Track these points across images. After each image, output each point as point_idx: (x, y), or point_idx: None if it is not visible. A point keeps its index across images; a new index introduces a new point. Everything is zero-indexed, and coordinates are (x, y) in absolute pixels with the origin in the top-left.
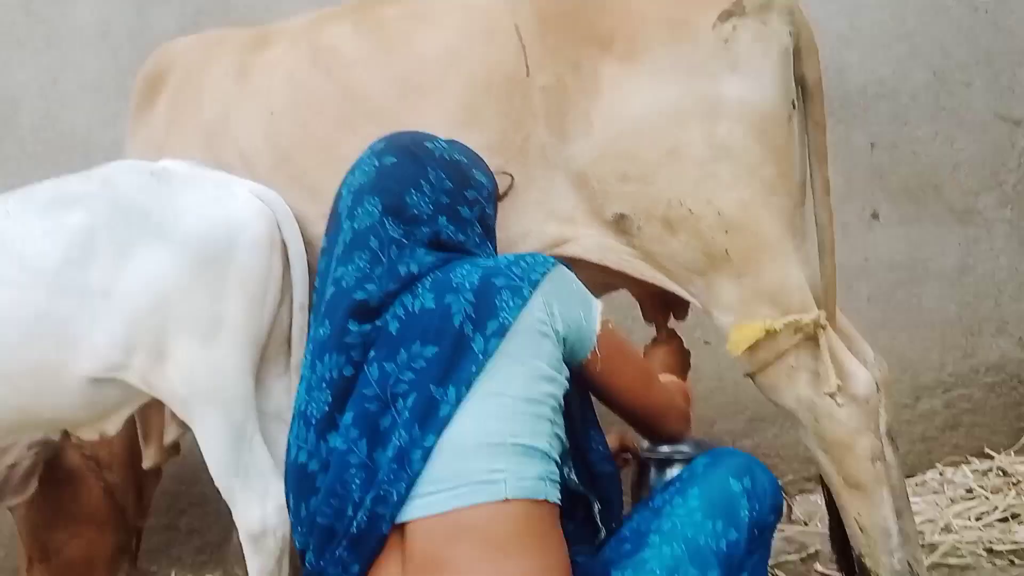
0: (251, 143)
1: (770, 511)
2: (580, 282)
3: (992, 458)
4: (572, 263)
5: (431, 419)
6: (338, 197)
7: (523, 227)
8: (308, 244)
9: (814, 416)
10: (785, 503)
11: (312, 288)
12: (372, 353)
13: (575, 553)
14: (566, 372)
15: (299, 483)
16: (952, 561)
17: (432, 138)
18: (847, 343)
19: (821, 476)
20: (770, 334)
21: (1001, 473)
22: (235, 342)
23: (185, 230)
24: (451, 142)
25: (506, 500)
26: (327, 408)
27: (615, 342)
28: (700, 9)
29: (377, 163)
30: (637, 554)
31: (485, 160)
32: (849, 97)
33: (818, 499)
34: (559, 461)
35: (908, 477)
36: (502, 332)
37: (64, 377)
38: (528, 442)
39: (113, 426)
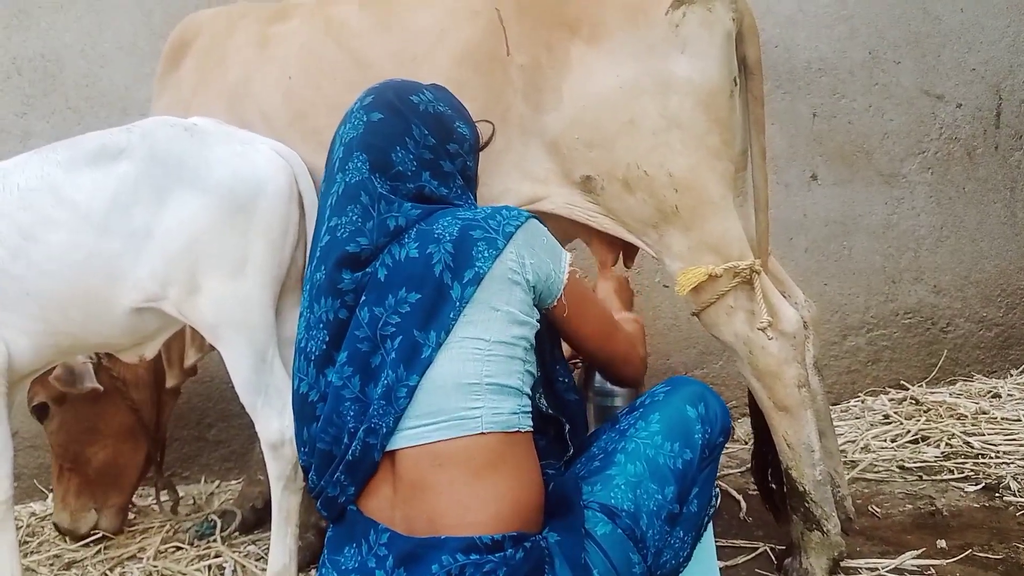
0: (270, 103)
1: (720, 433)
2: (551, 235)
3: (907, 388)
4: (544, 217)
5: (415, 360)
6: (332, 146)
7: (503, 186)
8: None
9: (749, 349)
10: None
11: None
12: (364, 298)
13: (547, 466)
14: (536, 316)
15: (301, 410)
16: (869, 476)
17: (418, 90)
18: (780, 287)
19: (749, 402)
20: (712, 278)
21: (914, 402)
22: (259, 278)
23: (216, 180)
24: (436, 91)
25: (482, 433)
26: (324, 346)
27: (581, 291)
28: None
29: (365, 118)
30: (605, 470)
31: None
32: (795, 72)
33: None
34: (531, 393)
35: (834, 404)
36: (477, 280)
37: (111, 307)
38: (502, 381)
39: (151, 350)
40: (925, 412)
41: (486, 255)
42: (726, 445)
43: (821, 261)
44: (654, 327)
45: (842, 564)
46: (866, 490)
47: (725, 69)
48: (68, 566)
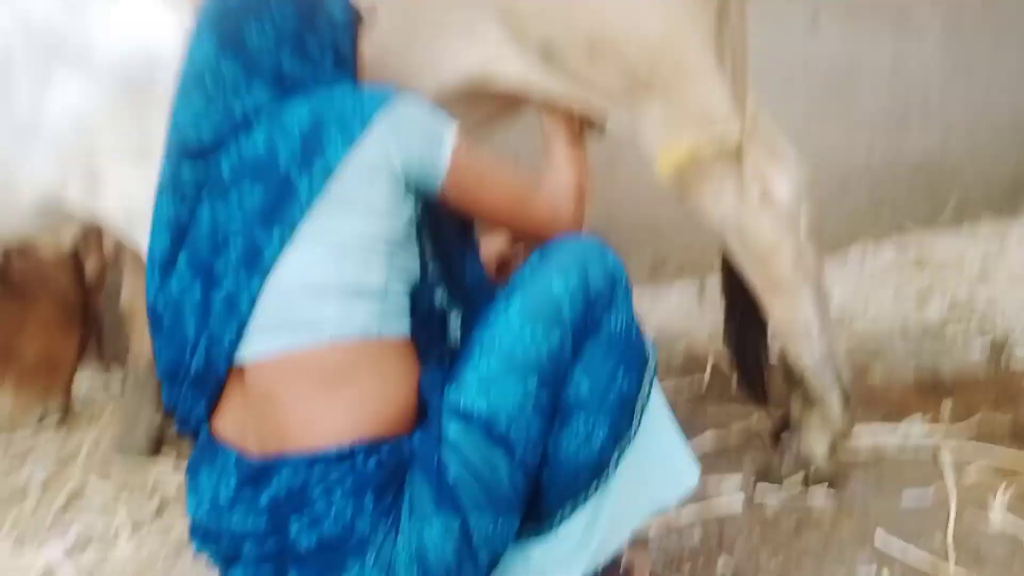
0: None
1: (603, 307)
2: (427, 110)
3: (910, 234)
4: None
5: (256, 263)
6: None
7: (445, 50)
8: None
9: (739, 229)
10: None
11: None
12: (205, 196)
13: (429, 368)
14: (410, 206)
15: (152, 322)
16: (869, 340)
17: None
18: (770, 147)
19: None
20: (694, 155)
21: (917, 251)
22: None
23: (104, 55)
24: None
25: (332, 341)
26: (166, 251)
27: (472, 168)
28: None
29: None
30: (461, 368)
31: None
32: None
33: None
34: (406, 289)
35: (833, 250)
36: (327, 171)
37: (11, 206)
38: (356, 281)
39: (67, 241)
40: (927, 265)
41: (340, 144)
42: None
43: (824, 108)
44: None
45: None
46: (866, 354)
47: None
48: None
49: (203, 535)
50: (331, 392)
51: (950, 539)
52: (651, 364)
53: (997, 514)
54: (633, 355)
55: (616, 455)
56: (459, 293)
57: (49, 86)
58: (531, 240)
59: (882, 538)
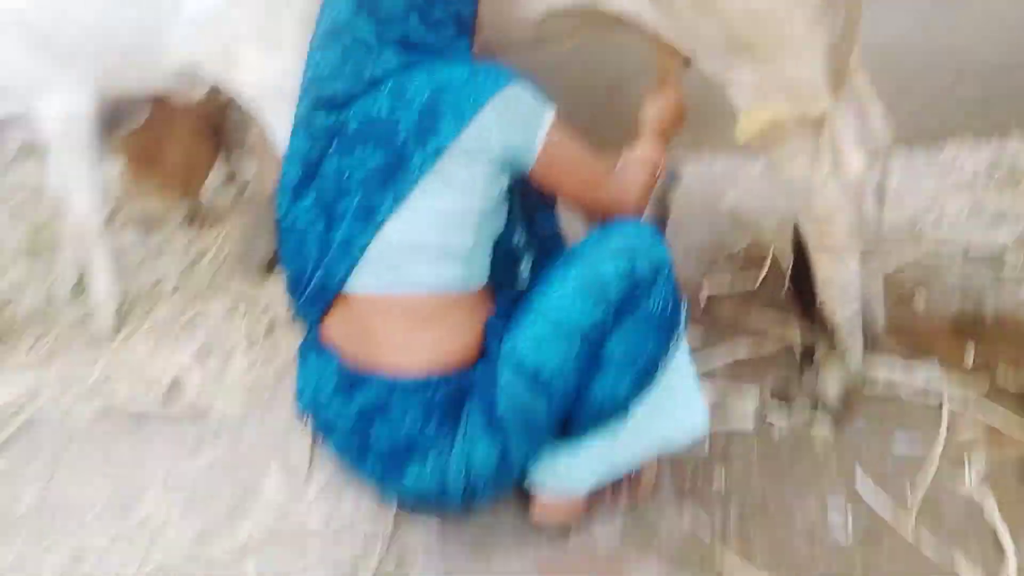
0: None
1: (644, 291)
2: (530, 96)
3: (1011, 140)
4: (605, 16)
5: (371, 218)
6: None
7: None
8: None
9: (805, 192)
10: None
11: None
12: (334, 145)
13: (497, 311)
14: (504, 180)
15: (280, 235)
16: (929, 261)
17: None
18: (860, 108)
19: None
20: (776, 122)
21: (1012, 161)
22: (299, 50)
23: None
24: None
25: (423, 291)
26: (297, 180)
27: (560, 155)
28: None
29: None
30: (519, 321)
31: None
32: None
33: None
34: (491, 243)
35: (929, 146)
36: (437, 152)
37: (156, 67)
38: (449, 245)
39: (198, 95)
40: (1017, 180)
41: (452, 126)
42: None
43: (947, 3)
44: None
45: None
46: (920, 276)
47: None
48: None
49: (306, 408)
50: (417, 329)
51: (919, 496)
52: (680, 331)
53: (970, 479)
54: (664, 328)
55: (636, 401)
56: (534, 237)
57: None
58: (589, 216)
59: (860, 478)
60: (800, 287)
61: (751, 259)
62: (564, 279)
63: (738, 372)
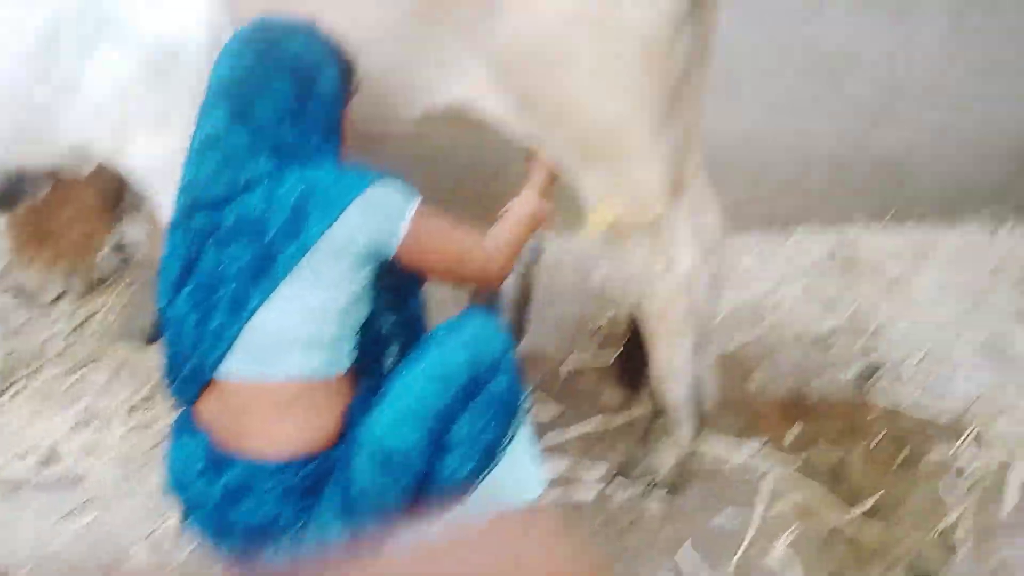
0: None
1: (487, 376)
2: (395, 190)
3: (853, 226)
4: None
5: (241, 309)
6: (209, 78)
7: (436, 80)
8: None
9: (643, 283)
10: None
11: None
12: (211, 241)
13: (358, 394)
14: (369, 270)
15: (162, 323)
16: (767, 340)
17: (291, 34)
18: (698, 205)
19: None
20: (619, 223)
21: (849, 254)
22: (185, 130)
23: (137, 31)
24: (309, 36)
25: (288, 379)
26: (177, 275)
27: (423, 238)
28: None
29: (235, 61)
30: (377, 405)
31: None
32: None
33: None
34: (356, 330)
35: (780, 230)
36: (304, 250)
37: (50, 144)
38: (315, 335)
39: (88, 171)
40: (853, 265)
41: (318, 224)
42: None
43: (804, 94)
44: None
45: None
46: (755, 356)
47: (670, 15)
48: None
49: (174, 485)
50: (282, 414)
51: (731, 566)
52: (519, 415)
53: (779, 551)
54: (506, 411)
55: (478, 480)
56: (400, 322)
57: (93, 53)
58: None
59: (685, 551)
60: (632, 366)
61: (612, 334)
62: (416, 366)
63: (588, 445)
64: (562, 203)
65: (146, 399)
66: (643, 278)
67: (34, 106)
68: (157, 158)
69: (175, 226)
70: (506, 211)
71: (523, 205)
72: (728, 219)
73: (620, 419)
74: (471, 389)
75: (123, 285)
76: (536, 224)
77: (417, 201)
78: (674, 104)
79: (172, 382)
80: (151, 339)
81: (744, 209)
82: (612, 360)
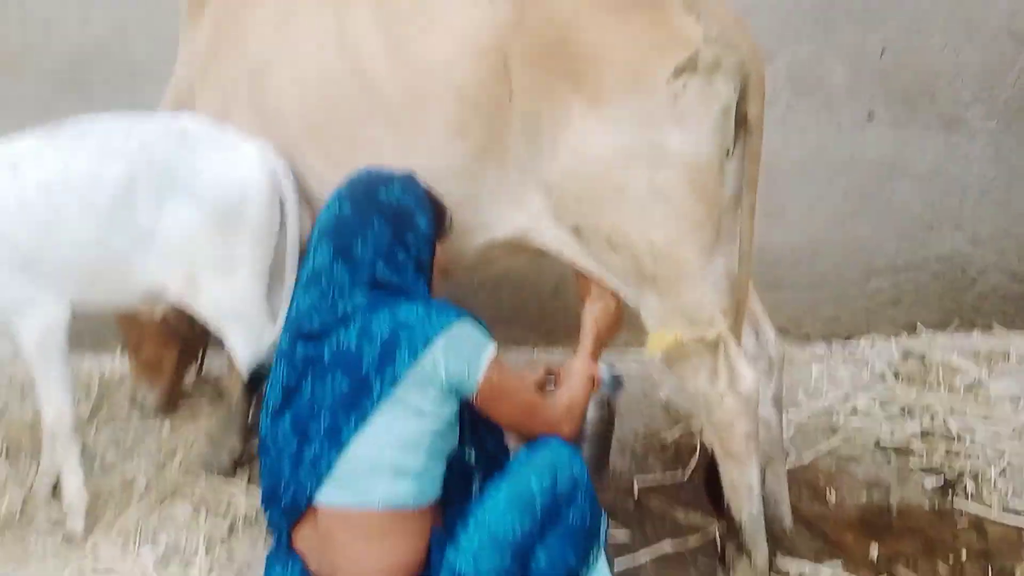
0: (286, 104)
1: (565, 503)
2: (477, 335)
3: (920, 334)
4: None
5: (337, 438)
6: (315, 222)
7: (498, 214)
8: (321, 200)
9: (707, 403)
10: None
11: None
12: (310, 371)
13: (447, 515)
14: (453, 404)
15: (260, 449)
16: (843, 451)
17: (387, 183)
18: (754, 324)
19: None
20: (679, 344)
21: (919, 359)
22: (250, 275)
23: (205, 190)
24: (406, 184)
25: (379, 507)
26: (279, 404)
27: (498, 386)
28: (658, 61)
29: (337, 209)
30: (460, 534)
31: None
32: (870, 2)
33: None
34: (443, 461)
35: (845, 340)
36: (395, 381)
37: (127, 291)
38: (404, 465)
39: (160, 312)
40: (919, 376)
41: (407, 359)
42: None
43: (859, 203)
44: None
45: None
46: (833, 468)
47: (717, 144)
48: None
49: None
50: (372, 542)
51: None
52: (599, 541)
53: None
54: (584, 540)
55: None
56: (483, 455)
57: (164, 206)
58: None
59: None
60: (713, 486)
61: (681, 450)
62: (496, 494)
63: (664, 567)
64: (626, 320)
65: (227, 535)
66: (706, 399)
67: (114, 254)
68: (224, 302)
69: (279, 356)
70: (557, 375)
71: (579, 370)
72: (792, 330)
73: (693, 540)
74: (550, 517)
75: (204, 417)
76: (592, 385)
77: (493, 346)
78: (724, 227)
79: (271, 511)
80: (231, 473)
81: (806, 320)
82: (687, 476)
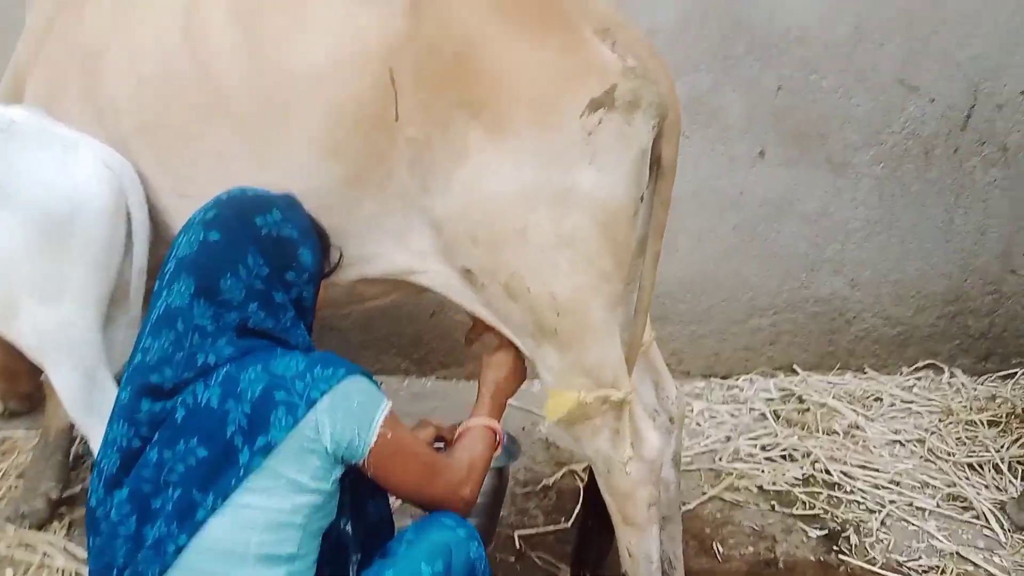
0: (120, 96)
1: None
2: (365, 391)
3: (797, 374)
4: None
5: (188, 520)
6: (168, 253)
7: (374, 250)
8: (161, 211)
9: (607, 468)
10: None
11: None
12: (157, 435)
13: None
14: (336, 473)
15: (90, 521)
16: (727, 497)
17: (266, 209)
18: (656, 377)
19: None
20: (580, 405)
21: (798, 401)
22: (80, 302)
23: (28, 198)
24: (287, 211)
25: None
26: (115, 470)
27: (393, 451)
28: (570, 93)
29: (202, 236)
30: None
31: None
32: (770, 39)
33: None
34: (318, 539)
35: (724, 379)
36: (268, 450)
37: None
38: (273, 551)
39: None
40: (801, 421)
41: (283, 423)
42: None
43: (746, 240)
44: None
45: None
46: (718, 516)
47: (633, 188)
48: None
49: None
50: None
51: None
52: None
53: None
54: None
55: None
56: (362, 524)
57: None
58: (419, 507)
59: None
60: (588, 545)
61: (564, 494)
62: None
63: None
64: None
65: None
66: (607, 464)
67: None
68: (46, 330)
69: (116, 414)
70: (460, 434)
71: (478, 428)
72: (673, 365)
73: None
74: None
75: (19, 455)
76: (495, 442)
77: (388, 405)
78: (631, 277)
79: None
80: (47, 519)
81: (687, 355)
82: (571, 523)
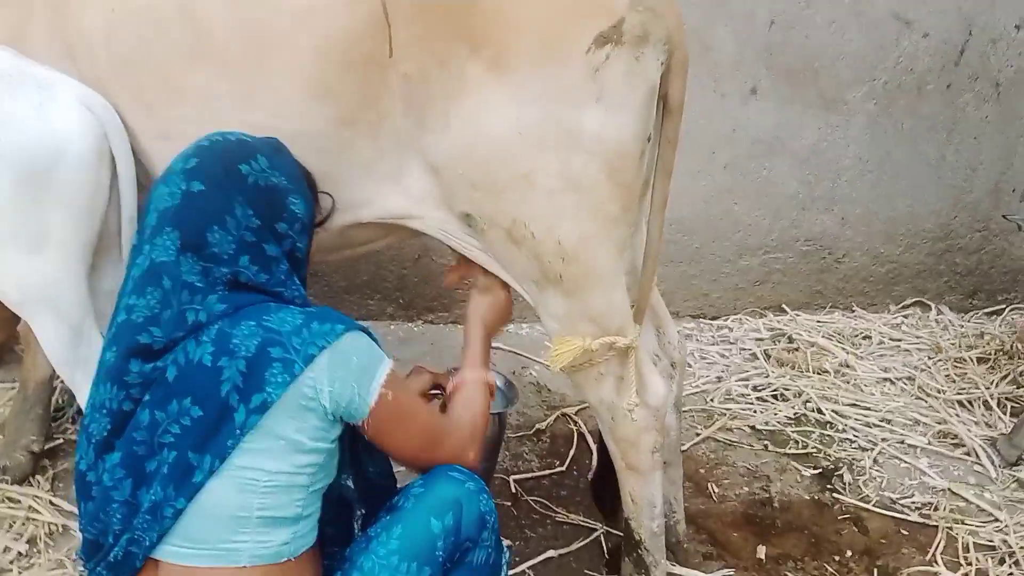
0: (93, 30)
1: (469, 539)
2: (368, 349)
3: (787, 313)
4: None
5: (185, 482)
6: (146, 205)
7: (369, 194)
8: (140, 155)
9: (611, 415)
10: None
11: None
12: (148, 396)
13: (327, 556)
14: (335, 432)
15: (80, 487)
16: (720, 437)
17: (250, 156)
18: (657, 322)
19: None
20: (586, 352)
21: (788, 340)
22: (64, 252)
23: (3, 143)
24: (273, 157)
25: (245, 565)
26: (105, 433)
27: (394, 413)
28: (576, 28)
29: (184, 187)
30: None
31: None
32: None
33: None
34: (320, 497)
35: (713, 319)
36: (264, 408)
37: None
38: (275, 513)
39: None
40: (793, 352)
41: (279, 380)
42: None
43: (737, 179)
44: None
45: None
46: (712, 456)
47: (641, 127)
48: None
49: None
50: None
51: None
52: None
53: None
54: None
55: None
56: (363, 481)
57: None
58: (421, 471)
59: None
60: (602, 490)
61: (557, 438)
62: (388, 539)
63: (547, 572)
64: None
65: (24, 556)
66: (611, 411)
67: None
68: (28, 283)
69: (103, 376)
70: (456, 386)
71: (474, 381)
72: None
73: (578, 545)
74: (452, 560)
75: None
76: (490, 392)
77: (389, 364)
78: (637, 221)
79: (93, 567)
80: (29, 473)
81: (677, 296)
82: (565, 467)
